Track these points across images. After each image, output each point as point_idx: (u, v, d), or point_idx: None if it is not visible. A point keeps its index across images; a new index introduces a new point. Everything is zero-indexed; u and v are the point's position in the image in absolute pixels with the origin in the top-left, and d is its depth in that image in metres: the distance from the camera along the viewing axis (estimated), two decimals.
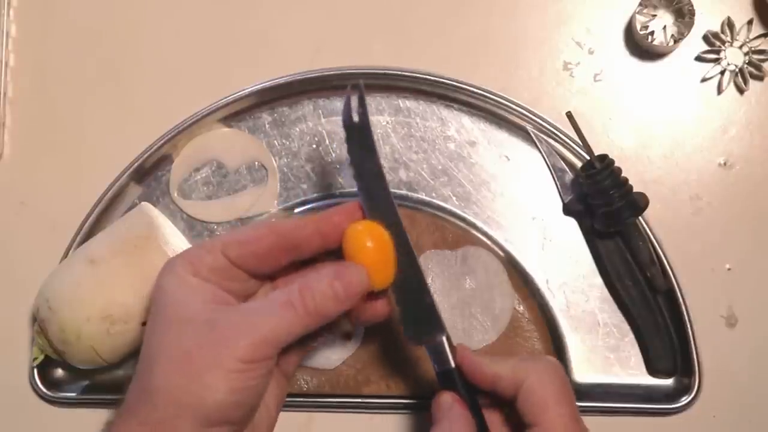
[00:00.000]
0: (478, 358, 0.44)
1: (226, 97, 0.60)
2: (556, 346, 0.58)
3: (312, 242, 0.44)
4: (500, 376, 0.42)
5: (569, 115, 0.56)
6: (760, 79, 0.60)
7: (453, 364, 0.44)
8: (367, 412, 0.58)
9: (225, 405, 0.39)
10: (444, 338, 0.44)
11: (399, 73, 0.60)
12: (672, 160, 0.60)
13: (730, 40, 0.60)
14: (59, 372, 0.59)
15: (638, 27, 0.59)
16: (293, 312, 0.40)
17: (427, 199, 0.59)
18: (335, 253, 0.45)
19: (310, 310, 0.40)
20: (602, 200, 0.55)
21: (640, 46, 0.60)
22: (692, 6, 0.58)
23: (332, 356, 0.57)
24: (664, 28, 0.59)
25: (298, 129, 0.61)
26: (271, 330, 0.40)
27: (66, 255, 0.58)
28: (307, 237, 0.44)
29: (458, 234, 0.59)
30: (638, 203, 0.56)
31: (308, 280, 0.42)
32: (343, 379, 0.57)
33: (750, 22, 0.60)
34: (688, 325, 0.56)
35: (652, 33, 0.59)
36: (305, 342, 0.46)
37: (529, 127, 0.60)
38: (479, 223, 0.59)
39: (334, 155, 0.60)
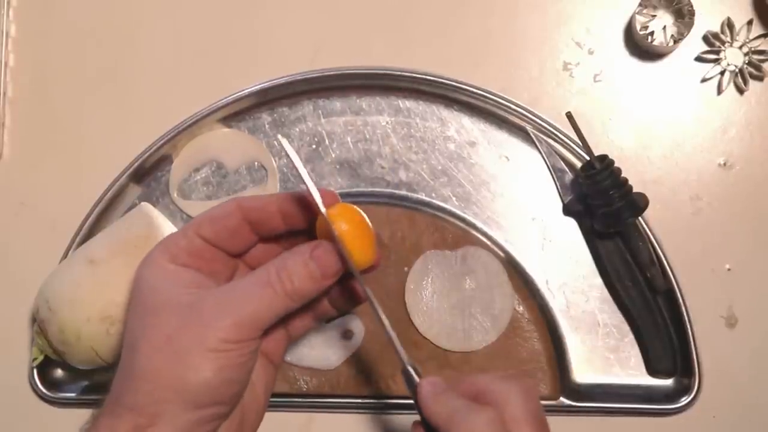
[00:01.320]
0: (433, 396, 0.41)
1: (225, 98, 0.60)
2: (556, 347, 0.58)
3: (274, 222, 0.44)
4: (456, 410, 0.40)
5: (569, 116, 0.56)
6: (760, 79, 0.60)
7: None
8: (367, 412, 0.58)
9: (211, 385, 0.39)
10: (405, 370, 0.43)
11: (399, 73, 0.60)
12: (672, 160, 0.60)
13: (729, 41, 0.60)
14: (59, 372, 0.59)
15: (638, 27, 0.59)
16: (272, 292, 0.40)
17: (427, 199, 0.59)
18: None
19: (288, 290, 0.40)
20: (602, 200, 0.55)
21: (640, 47, 0.60)
22: (692, 6, 0.58)
23: (332, 356, 0.57)
24: (664, 28, 0.59)
25: (297, 129, 0.61)
26: (254, 310, 0.39)
27: (66, 255, 0.58)
28: (269, 216, 0.43)
29: (458, 234, 0.59)
30: (638, 203, 0.56)
31: (284, 260, 0.41)
32: (343, 379, 0.57)
33: (750, 23, 0.60)
34: (688, 326, 0.56)
35: (651, 33, 0.59)
36: (290, 327, 0.46)
37: (529, 128, 0.60)
38: (479, 224, 0.59)
39: (333, 155, 0.60)
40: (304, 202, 0.43)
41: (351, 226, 0.42)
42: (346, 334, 0.57)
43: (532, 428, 0.39)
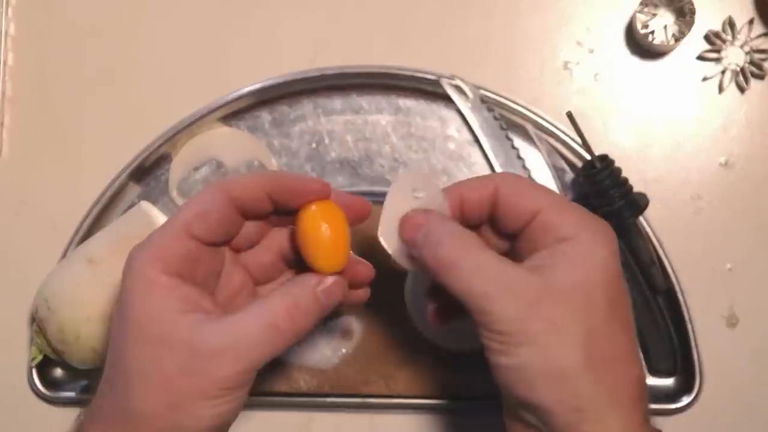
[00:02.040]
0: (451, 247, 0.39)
1: (225, 96, 0.59)
2: None
3: (264, 206, 0.41)
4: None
5: (569, 115, 0.56)
6: (761, 78, 0.59)
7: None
8: (367, 412, 0.57)
9: (206, 429, 0.38)
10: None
11: (399, 72, 0.60)
12: (672, 159, 0.60)
13: (731, 39, 0.60)
14: (58, 372, 0.59)
15: (639, 26, 0.59)
16: (279, 335, 0.38)
17: None
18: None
19: (298, 330, 0.39)
20: (602, 200, 0.55)
21: (640, 46, 0.60)
22: (693, 5, 0.58)
23: (329, 354, 0.57)
24: (665, 27, 0.59)
25: (297, 128, 0.61)
26: (257, 357, 0.38)
27: (65, 254, 0.58)
28: (259, 200, 0.41)
29: None
30: (638, 203, 0.55)
31: (296, 298, 0.39)
32: (343, 379, 0.57)
33: (751, 22, 0.60)
34: (689, 325, 0.56)
35: (652, 32, 0.59)
36: None
37: (529, 127, 0.59)
38: None
39: (333, 154, 0.60)
40: (291, 186, 0.41)
41: (332, 227, 0.41)
42: (346, 335, 0.57)
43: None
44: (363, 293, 0.46)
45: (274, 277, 0.46)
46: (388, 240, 0.42)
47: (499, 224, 0.42)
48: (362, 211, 0.44)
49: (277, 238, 0.45)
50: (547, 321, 0.36)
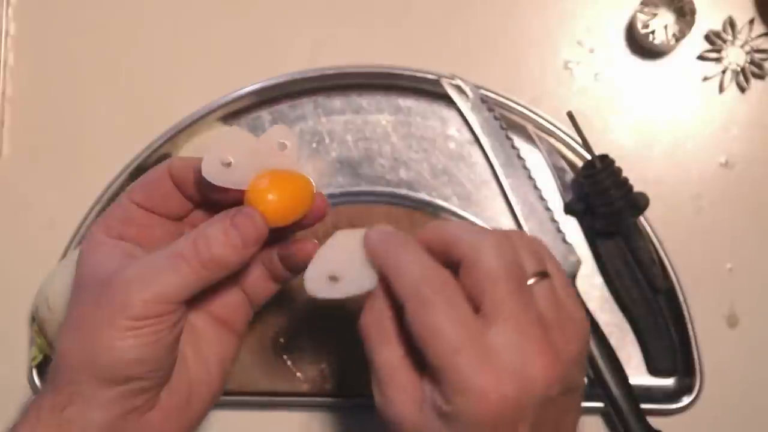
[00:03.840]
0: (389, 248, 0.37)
1: (225, 96, 0.59)
2: None
3: (198, 188, 0.42)
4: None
5: (570, 115, 0.56)
6: (762, 78, 0.59)
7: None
8: (367, 413, 0.57)
9: (122, 363, 0.37)
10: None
11: (399, 72, 0.59)
12: (673, 159, 0.59)
13: (731, 39, 0.60)
14: None
15: (639, 26, 0.59)
16: (185, 264, 0.38)
17: (428, 198, 0.59)
18: None
19: (204, 260, 0.38)
20: (603, 200, 0.55)
21: (641, 45, 0.60)
22: (693, 5, 0.58)
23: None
24: (666, 27, 0.59)
25: (297, 128, 0.61)
26: (163, 285, 0.37)
27: (65, 254, 0.58)
28: (198, 179, 0.40)
29: None
30: (639, 203, 0.55)
31: (203, 228, 0.39)
32: (344, 379, 0.57)
33: (751, 21, 0.60)
34: (689, 325, 0.56)
35: (653, 32, 0.59)
36: (249, 292, 0.44)
37: (529, 127, 0.59)
38: (480, 223, 0.59)
39: (334, 154, 0.60)
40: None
41: (277, 181, 0.40)
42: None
43: (507, 287, 0.35)
44: (311, 246, 0.42)
45: None
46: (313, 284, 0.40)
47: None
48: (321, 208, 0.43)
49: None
50: None
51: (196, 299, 0.40)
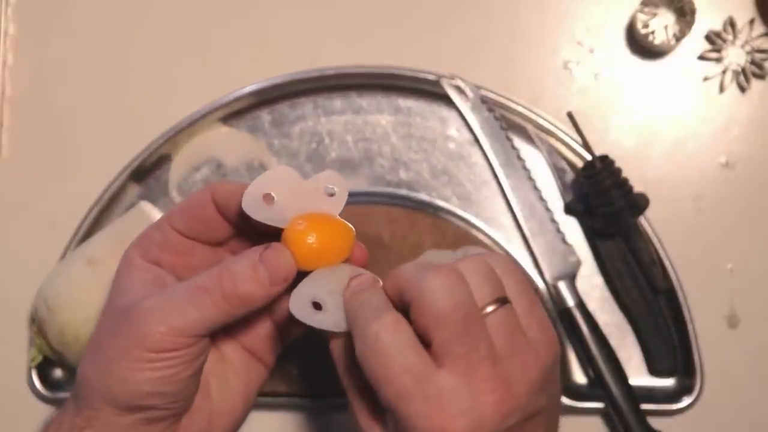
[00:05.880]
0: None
1: (225, 96, 0.59)
2: None
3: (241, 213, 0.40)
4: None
5: (570, 115, 0.56)
6: (762, 77, 0.59)
7: None
8: (341, 412, 0.57)
9: (137, 394, 0.37)
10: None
11: (399, 72, 0.59)
12: (673, 159, 0.59)
13: (731, 39, 0.59)
14: (58, 372, 0.59)
15: (639, 26, 0.59)
16: (207, 297, 0.37)
17: (428, 199, 0.59)
18: None
19: (228, 295, 0.37)
20: (603, 200, 0.55)
21: (641, 45, 0.60)
22: (693, 5, 0.58)
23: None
24: (666, 26, 0.59)
25: (297, 128, 0.61)
26: (182, 318, 0.36)
27: (64, 255, 0.58)
28: (238, 206, 0.39)
29: (459, 234, 0.59)
30: (639, 203, 0.55)
31: (230, 262, 0.38)
32: (317, 381, 0.57)
33: (751, 21, 0.60)
34: (690, 326, 0.56)
35: (653, 32, 0.59)
36: (281, 325, 0.43)
37: (529, 127, 0.59)
38: (480, 223, 0.59)
39: (333, 154, 0.60)
40: None
41: (311, 230, 0.38)
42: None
43: (453, 329, 0.33)
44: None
45: None
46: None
47: None
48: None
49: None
50: None
51: (227, 328, 0.39)
